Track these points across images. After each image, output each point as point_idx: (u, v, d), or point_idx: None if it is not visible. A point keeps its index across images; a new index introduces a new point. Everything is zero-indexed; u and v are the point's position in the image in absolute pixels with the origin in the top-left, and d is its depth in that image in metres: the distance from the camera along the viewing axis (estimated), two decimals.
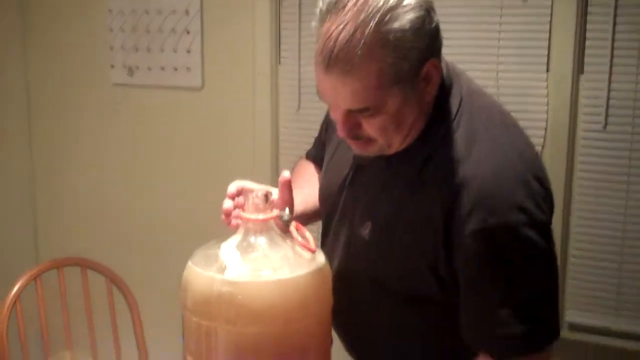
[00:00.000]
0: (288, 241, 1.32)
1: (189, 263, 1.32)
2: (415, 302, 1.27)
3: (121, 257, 2.66)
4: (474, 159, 1.17)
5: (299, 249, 1.32)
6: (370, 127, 1.19)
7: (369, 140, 1.22)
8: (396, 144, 1.23)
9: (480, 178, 1.15)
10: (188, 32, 2.67)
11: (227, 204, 1.30)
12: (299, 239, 1.31)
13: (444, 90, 1.23)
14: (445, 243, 1.17)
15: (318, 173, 1.59)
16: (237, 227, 1.32)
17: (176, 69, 2.71)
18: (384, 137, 1.20)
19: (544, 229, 1.17)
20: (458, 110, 1.22)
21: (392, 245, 1.25)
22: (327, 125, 1.54)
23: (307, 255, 1.31)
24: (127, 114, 2.87)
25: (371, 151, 1.25)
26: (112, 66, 2.84)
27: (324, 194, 1.46)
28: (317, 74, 1.16)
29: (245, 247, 1.30)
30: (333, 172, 1.44)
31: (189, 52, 2.68)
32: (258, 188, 1.33)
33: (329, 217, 1.43)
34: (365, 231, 1.30)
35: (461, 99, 1.23)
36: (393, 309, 1.31)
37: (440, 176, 1.18)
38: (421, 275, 1.22)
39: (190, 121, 2.75)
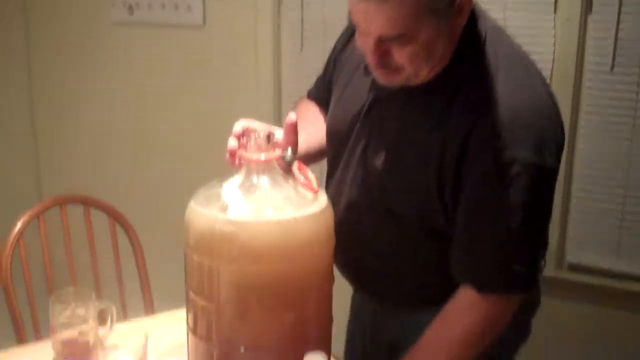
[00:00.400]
0: (290, 181, 1.32)
1: (191, 203, 1.32)
2: (425, 233, 1.31)
3: (124, 195, 2.66)
4: (498, 94, 1.18)
5: (301, 189, 1.32)
6: (400, 56, 1.20)
7: (397, 70, 1.23)
8: (423, 74, 1.24)
9: (501, 113, 1.16)
10: None
11: (232, 143, 1.30)
12: (302, 179, 1.31)
13: (472, 24, 1.24)
14: (456, 171, 1.20)
15: (321, 113, 1.59)
16: (241, 167, 1.32)
17: (177, 7, 2.69)
18: (413, 66, 1.21)
19: (552, 175, 1.21)
20: (484, 45, 1.24)
21: (405, 172, 1.28)
22: (334, 62, 1.54)
23: (310, 195, 1.32)
24: (127, 53, 2.85)
25: (397, 81, 1.26)
26: (112, 4, 2.81)
27: (334, 129, 1.47)
28: (352, 2, 1.17)
29: (248, 187, 1.30)
30: (344, 106, 1.44)
31: None
32: (262, 128, 1.33)
33: (338, 152, 1.44)
34: (379, 161, 1.32)
35: (486, 34, 1.25)
36: (404, 240, 1.34)
37: (462, 108, 1.21)
38: (430, 202, 1.25)
39: (191, 60, 2.73)
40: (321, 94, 1.60)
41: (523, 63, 1.27)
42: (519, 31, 2.14)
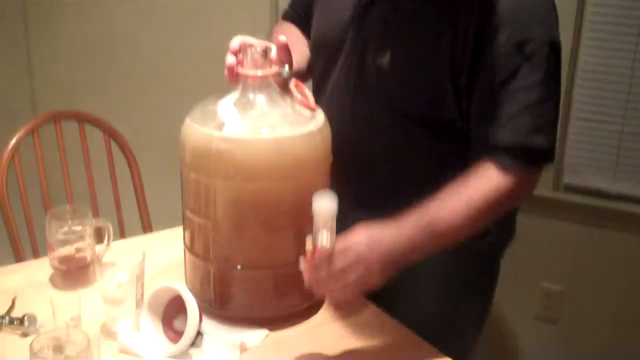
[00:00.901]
0: (287, 99, 1.32)
1: (187, 120, 1.33)
2: (431, 132, 1.33)
3: (120, 110, 2.64)
4: None
5: (298, 107, 1.33)
6: None
7: None
8: None
9: None
10: None
11: (230, 59, 1.28)
12: (299, 96, 1.32)
13: None
14: (472, 56, 1.24)
15: (301, 33, 1.58)
16: (238, 83, 1.32)
17: None
18: None
19: (560, 48, 1.28)
20: None
21: (416, 66, 1.30)
22: None
23: (307, 113, 1.32)
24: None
25: None
26: None
27: (322, 39, 1.47)
28: None
29: (244, 105, 1.30)
30: (331, 14, 1.44)
31: None
32: (259, 44, 1.31)
33: (329, 62, 1.43)
34: (385, 60, 1.32)
35: None
36: (407, 145, 1.36)
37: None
38: (444, 93, 1.28)
39: None
40: (297, 14, 1.59)
41: None
42: None
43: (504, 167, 1.24)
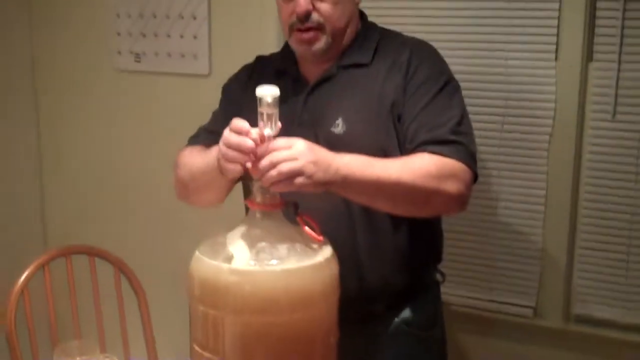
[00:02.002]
0: (295, 230, 1.35)
1: (196, 253, 1.36)
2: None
3: (129, 245, 2.66)
4: (409, 42, 1.68)
5: (305, 238, 1.35)
6: (323, 7, 1.59)
7: (318, 30, 1.60)
8: (339, 34, 1.63)
9: (420, 47, 1.67)
10: (195, 18, 2.66)
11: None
12: (306, 227, 1.35)
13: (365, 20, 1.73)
14: (404, 88, 1.60)
15: None
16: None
17: (183, 56, 2.71)
18: (331, 20, 1.60)
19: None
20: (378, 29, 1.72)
21: (365, 121, 1.59)
22: (232, 94, 1.77)
23: (314, 244, 1.35)
24: (133, 101, 2.86)
25: (317, 46, 1.62)
26: (119, 52, 2.84)
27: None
28: None
29: (252, 237, 1.33)
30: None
31: (195, 38, 2.68)
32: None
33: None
34: (338, 128, 1.59)
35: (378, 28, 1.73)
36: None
37: (391, 54, 1.64)
38: (390, 138, 1.58)
39: (197, 109, 2.72)
40: (210, 142, 1.65)
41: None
42: (520, 79, 2.19)
43: (430, 151, 1.51)
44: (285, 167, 1.32)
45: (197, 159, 1.63)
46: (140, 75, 2.81)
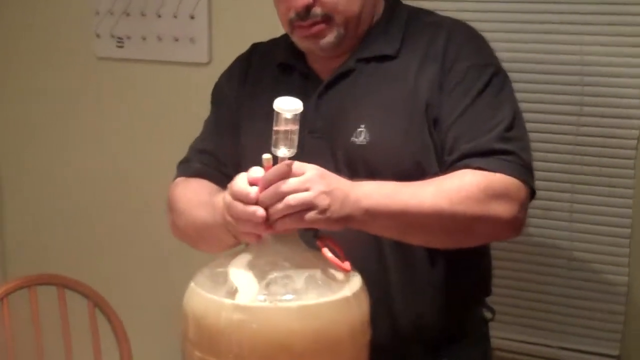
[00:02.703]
0: (314, 257, 1.35)
1: (192, 284, 1.35)
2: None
3: (106, 273, 2.66)
4: (444, 23, 1.67)
5: (328, 267, 1.35)
6: None
7: (324, 22, 1.60)
8: (352, 22, 1.63)
9: (458, 29, 1.66)
10: None
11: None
12: (329, 254, 1.34)
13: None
14: (440, 83, 1.59)
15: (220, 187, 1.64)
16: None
17: (177, 40, 2.72)
18: (338, 10, 1.60)
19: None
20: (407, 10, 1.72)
21: (394, 127, 1.59)
22: (229, 103, 1.77)
23: (339, 275, 1.34)
24: (115, 96, 2.87)
25: (326, 41, 1.63)
26: (98, 35, 2.85)
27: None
28: None
29: (261, 265, 1.32)
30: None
31: (192, 18, 2.69)
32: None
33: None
34: (360, 137, 1.60)
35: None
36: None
37: (423, 40, 1.64)
38: (426, 148, 1.58)
39: (193, 105, 2.72)
40: (212, 162, 1.74)
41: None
42: (599, 69, 2.18)
43: (473, 166, 1.50)
44: (294, 199, 1.33)
45: (199, 210, 1.61)
46: (123, 64, 2.82)
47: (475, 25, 1.71)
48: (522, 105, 1.68)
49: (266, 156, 1.34)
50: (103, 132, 2.90)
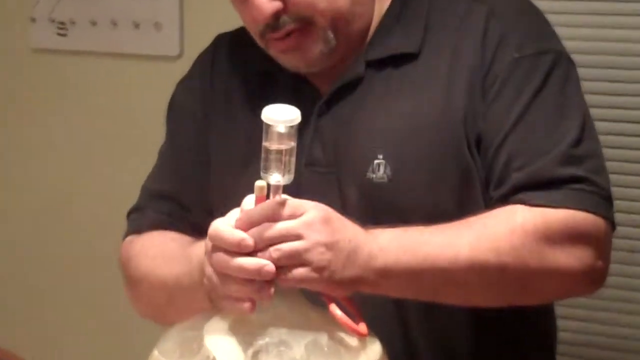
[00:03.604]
0: (320, 316, 1.35)
1: (155, 353, 1.35)
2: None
3: (43, 341, 2.71)
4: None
5: (338, 330, 1.34)
6: None
7: (305, 27, 1.55)
8: (343, 21, 1.58)
9: (502, 3, 1.61)
10: None
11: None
12: (339, 313, 1.34)
13: None
14: (482, 84, 1.55)
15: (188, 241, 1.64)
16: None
17: (138, 26, 2.76)
18: (319, 10, 1.54)
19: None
20: None
21: (424, 156, 1.57)
22: (198, 131, 1.75)
23: (353, 341, 1.34)
24: (55, 100, 2.90)
25: (312, 52, 1.58)
26: (33, 19, 2.86)
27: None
28: None
29: (249, 327, 1.32)
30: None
31: None
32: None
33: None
34: (378, 171, 1.56)
35: None
36: None
37: (454, 24, 1.60)
38: (461, 177, 1.56)
39: (159, 111, 2.73)
40: (178, 196, 1.73)
41: None
42: None
43: (529, 203, 1.47)
44: (278, 249, 1.32)
45: (169, 267, 1.59)
46: (66, 57, 2.89)
47: None
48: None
49: (260, 183, 1.33)
50: (39, 147, 2.94)
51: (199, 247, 1.44)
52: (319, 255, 1.33)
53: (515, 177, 1.50)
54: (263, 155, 1.33)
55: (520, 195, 1.48)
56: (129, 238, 1.75)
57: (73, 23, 2.82)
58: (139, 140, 2.72)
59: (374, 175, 1.57)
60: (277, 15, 1.53)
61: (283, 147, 1.33)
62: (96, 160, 2.91)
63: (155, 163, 1.81)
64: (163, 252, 1.65)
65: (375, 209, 1.55)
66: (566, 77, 1.58)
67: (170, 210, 1.74)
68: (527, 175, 1.50)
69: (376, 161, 1.57)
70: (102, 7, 2.78)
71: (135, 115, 2.80)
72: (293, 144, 1.33)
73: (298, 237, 1.32)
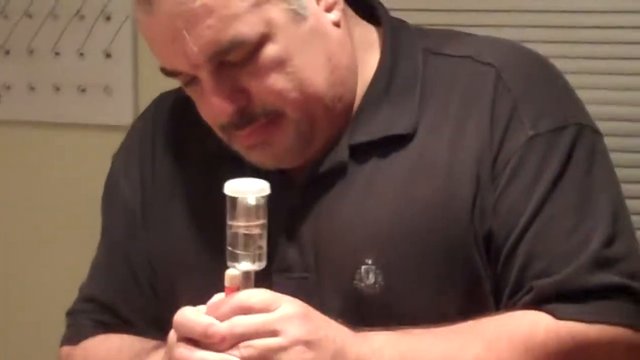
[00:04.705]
0: None
1: None
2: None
3: None
4: (489, 52, 1.46)
5: None
6: (256, 85, 1.35)
7: (275, 119, 1.37)
8: (319, 107, 1.39)
9: (512, 64, 1.45)
10: (108, 18, 2.66)
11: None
12: None
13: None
14: (491, 169, 1.40)
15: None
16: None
17: (84, 90, 2.67)
18: (292, 96, 1.36)
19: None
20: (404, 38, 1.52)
21: (421, 262, 1.40)
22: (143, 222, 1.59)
23: None
24: None
25: (284, 145, 1.39)
26: None
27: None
28: (142, 22, 1.35)
29: None
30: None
31: (108, 56, 2.67)
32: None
33: None
34: (369, 279, 1.40)
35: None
36: None
37: (456, 92, 1.43)
38: (468, 283, 1.39)
39: None
40: (115, 304, 1.57)
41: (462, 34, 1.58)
42: None
43: (554, 315, 1.33)
44: (249, 347, 1.23)
45: None
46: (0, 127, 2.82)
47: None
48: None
49: (231, 272, 1.24)
50: None
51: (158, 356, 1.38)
52: (298, 355, 1.23)
53: (537, 286, 1.37)
54: (229, 238, 1.24)
55: (548, 307, 1.36)
56: (64, 349, 1.61)
57: (8, 88, 2.72)
58: (85, 221, 2.38)
59: (363, 284, 1.42)
60: (240, 111, 1.38)
61: (252, 224, 1.24)
62: (36, 243, 2.87)
63: (93, 259, 1.67)
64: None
65: (365, 323, 1.36)
66: (591, 154, 1.44)
67: (106, 319, 1.58)
68: (551, 285, 1.36)
69: (364, 267, 1.43)
70: (42, 70, 2.70)
71: (81, 194, 2.64)
72: (263, 222, 1.24)
73: (274, 333, 1.22)
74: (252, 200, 1.23)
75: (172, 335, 1.27)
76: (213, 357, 1.23)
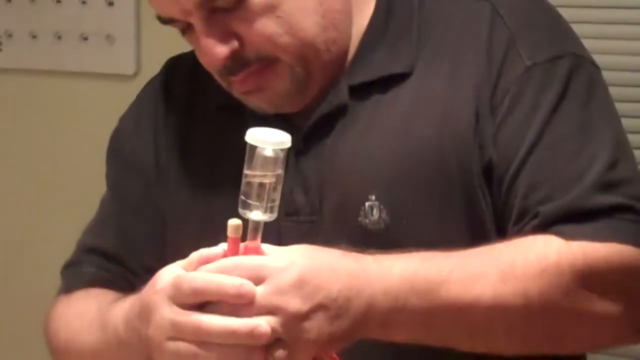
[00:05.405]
0: None
1: None
2: None
3: None
4: None
5: None
6: (249, 32, 1.38)
7: (269, 64, 1.41)
8: (311, 51, 1.43)
9: (504, 2, 1.47)
10: None
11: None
12: None
13: None
14: (489, 99, 1.42)
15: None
16: None
17: (86, 39, 2.67)
18: (283, 40, 1.40)
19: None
20: None
21: (425, 195, 1.43)
22: (150, 173, 1.62)
23: None
24: None
25: (281, 89, 1.43)
26: None
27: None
28: None
29: None
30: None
31: (111, 4, 2.66)
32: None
33: None
34: (373, 215, 1.42)
35: None
36: None
37: (452, 29, 1.47)
38: (471, 215, 1.43)
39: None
40: (120, 253, 1.60)
41: None
42: None
43: (565, 237, 1.35)
44: (239, 325, 1.21)
45: (82, 336, 1.49)
46: (1, 76, 2.80)
47: None
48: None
49: (234, 222, 1.23)
50: None
51: (119, 310, 1.38)
52: (302, 331, 1.23)
53: (543, 211, 1.40)
54: (243, 186, 1.25)
55: (554, 228, 1.38)
56: (58, 299, 1.63)
57: (10, 36, 2.73)
58: (86, 172, 2.51)
59: (367, 221, 1.45)
60: (233, 56, 1.41)
61: (269, 174, 1.25)
62: (36, 191, 2.88)
63: (95, 213, 1.68)
64: (81, 315, 1.55)
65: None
66: (590, 84, 1.47)
67: (112, 268, 1.60)
68: (557, 208, 1.39)
69: (368, 203, 1.46)
70: (44, 17, 2.70)
71: (82, 144, 2.69)
72: (279, 172, 1.25)
73: (270, 312, 1.20)
74: (269, 152, 1.23)
75: (159, 300, 1.25)
76: (239, 323, 1.21)
